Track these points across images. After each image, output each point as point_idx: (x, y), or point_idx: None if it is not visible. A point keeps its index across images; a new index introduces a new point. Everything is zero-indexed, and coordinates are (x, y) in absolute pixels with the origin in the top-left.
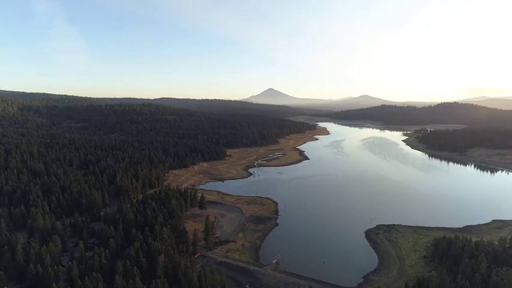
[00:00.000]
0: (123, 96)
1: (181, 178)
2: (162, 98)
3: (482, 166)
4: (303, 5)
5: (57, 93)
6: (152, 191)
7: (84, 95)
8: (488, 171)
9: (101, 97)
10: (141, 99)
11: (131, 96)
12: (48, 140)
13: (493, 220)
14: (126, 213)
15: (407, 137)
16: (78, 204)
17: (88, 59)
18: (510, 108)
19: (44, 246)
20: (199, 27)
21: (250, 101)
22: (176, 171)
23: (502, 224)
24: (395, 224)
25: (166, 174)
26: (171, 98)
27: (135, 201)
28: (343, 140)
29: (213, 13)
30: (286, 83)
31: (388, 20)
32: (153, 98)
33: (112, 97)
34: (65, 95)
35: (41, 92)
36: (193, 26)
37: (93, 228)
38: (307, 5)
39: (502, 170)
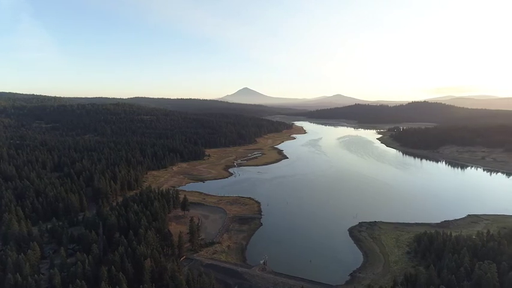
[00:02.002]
0: (94, 96)
1: (160, 179)
2: (135, 97)
3: (454, 163)
4: (279, 5)
5: (24, 93)
6: (132, 193)
7: (53, 95)
8: (460, 168)
9: (71, 96)
10: (114, 98)
11: (103, 96)
12: (18, 142)
13: (468, 215)
14: (107, 217)
15: (381, 135)
16: (54, 209)
17: (57, 57)
18: (475, 107)
19: (22, 254)
20: (171, 24)
21: (225, 100)
22: (155, 172)
23: (476, 218)
24: (377, 221)
25: (144, 176)
26: (144, 97)
27: (115, 204)
28: (320, 138)
29: (187, 11)
30: (261, 82)
31: (361, 23)
32: (126, 98)
33: (83, 96)
34: (33, 95)
35: (6, 91)
36: (164, 23)
37: (72, 233)
38: (283, 4)
39: (472, 166)
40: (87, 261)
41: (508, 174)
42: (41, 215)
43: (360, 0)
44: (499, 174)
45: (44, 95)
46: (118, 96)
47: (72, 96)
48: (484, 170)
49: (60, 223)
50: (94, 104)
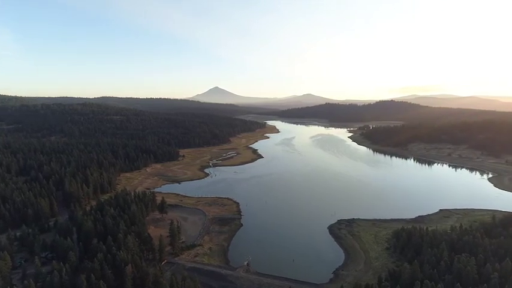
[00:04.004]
0: (58, 96)
1: (134, 181)
2: (102, 97)
3: (422, 159)
4: (250, 4)
5: None
6: (106, 197)
7: (13, 94)
8: (428, 164)
9: (33, 96)
10: (80, 98)
11: (68, 96)
12: None
13: (440, 210)
14: (82, 222)
15: (352, 134)
16: (23, 215)
17: (17, 55)
18: (438, 106)
19: None
20: (134, 20)
21: (196, 100)
22: (128, 174)
23: (448, 213)
24: (355, 218)
25: (117, 178)
26: (112, 96)
27: (88, 208)
28: (293, 137)
29: (153, 8)
30: (231, 81)
31: (331, 25)
32: (92, 97)
33: (46, 96)
34: None
35: None
36: (127, 18)
37: (44, 240)
38: (255, 4)
39: (438, 163)
40: (64, 269)
41: (472, 170)
42: (9, 222)
43: (329, 3)
44: (464, 169)
45: (4, 94)
46: (83, 96)
47: (34, 96)
48: (450, 166)
49: (30, 230)
50: (60, 104)
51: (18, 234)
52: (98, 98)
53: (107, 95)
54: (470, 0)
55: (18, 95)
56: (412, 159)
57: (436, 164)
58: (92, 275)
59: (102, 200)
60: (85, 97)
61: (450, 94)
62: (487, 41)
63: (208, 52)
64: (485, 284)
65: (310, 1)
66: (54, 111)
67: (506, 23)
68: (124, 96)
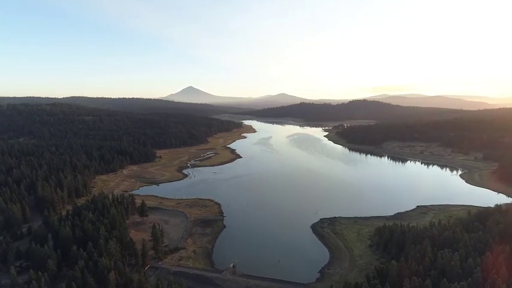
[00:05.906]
0: (25, 95)
1: (110, 184)
2: (71, 96)
3: (396, 157)
4: (226, 3)
5: None
6: (82, 200)
7: None
8: (402, 162)
9: None
10: (48, 98)
11: (35, 95)
12: None
13: (417, 206)
14: (59, 228)
15: (328, 133)
16: None
17: None
18: (408, 105)
19: None
20: (105, 17)
21: (170, 99)
22: (103, 177)
23: (425, 209)
24: (337, 216)
25: (93, 181)
26: (82, 96)
27: (64, 213)
28: (270, 137)
29: (123, 4)
30: (205, 81)
31: (305, 26)
32: (61, 97)
33: (11, 96)
34: None
35: None
36: (98, 16)
37: (18, 248)
38: (230, 3)
39: (411, 160)
40: (43, 279)
41: (444, 167)
42: None
43: (304, 5)
44: (436, 166)
45: None
46: (51, 96)
47: None
48: (423, 163)
49: (2, 238)
50: (27, 104)
51: None
52: (67, 97)
53: (77, 95)
54: (437, 4)
55: None
56: (387, 157)
57: (410, 161)
58: (73, 283)
59: (79, 204)
60: (53, 97)
61: (419, 93)
62: (451, 42)
63: (182, 51)
64: (469, 279)
65: (284, 2)
66: (21, 111)
67: (469, 27)
68: (95, 96)
